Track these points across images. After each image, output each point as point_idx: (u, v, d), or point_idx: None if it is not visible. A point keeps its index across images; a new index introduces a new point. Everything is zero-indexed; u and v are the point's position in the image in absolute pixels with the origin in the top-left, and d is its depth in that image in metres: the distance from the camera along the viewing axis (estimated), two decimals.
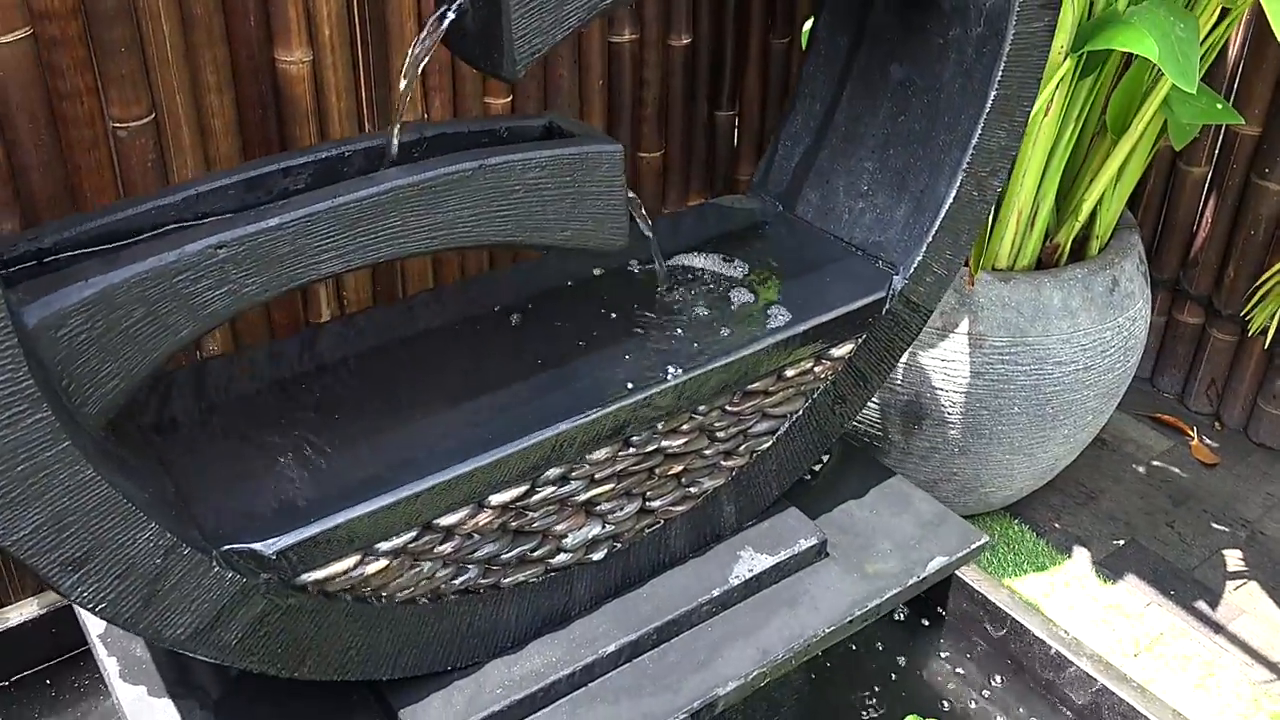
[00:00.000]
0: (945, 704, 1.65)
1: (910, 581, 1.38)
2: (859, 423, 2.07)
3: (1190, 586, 2.09)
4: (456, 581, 1.14)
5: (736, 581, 1.33)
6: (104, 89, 1.35)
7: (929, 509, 1.48)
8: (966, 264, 1.90)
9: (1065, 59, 1.67)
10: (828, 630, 1.31)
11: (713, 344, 1.24)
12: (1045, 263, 1.97)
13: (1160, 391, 2.59)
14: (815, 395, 1.37)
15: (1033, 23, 1.27)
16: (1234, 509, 2.28)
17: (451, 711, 1.16)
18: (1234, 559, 2.17)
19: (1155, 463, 2.40)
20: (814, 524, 1.42)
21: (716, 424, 1.27)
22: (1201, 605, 2.05)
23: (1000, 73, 1.28)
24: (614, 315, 1.29)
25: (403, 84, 1.05)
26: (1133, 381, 2.59)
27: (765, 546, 1.37)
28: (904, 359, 1.93)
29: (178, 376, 1.18)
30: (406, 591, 1.10)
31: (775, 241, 1.44)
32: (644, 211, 1.23)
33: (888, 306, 1.36)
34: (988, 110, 1.30)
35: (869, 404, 2.01)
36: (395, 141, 1.06)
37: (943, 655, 1.73)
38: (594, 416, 1.13)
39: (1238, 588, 2.10)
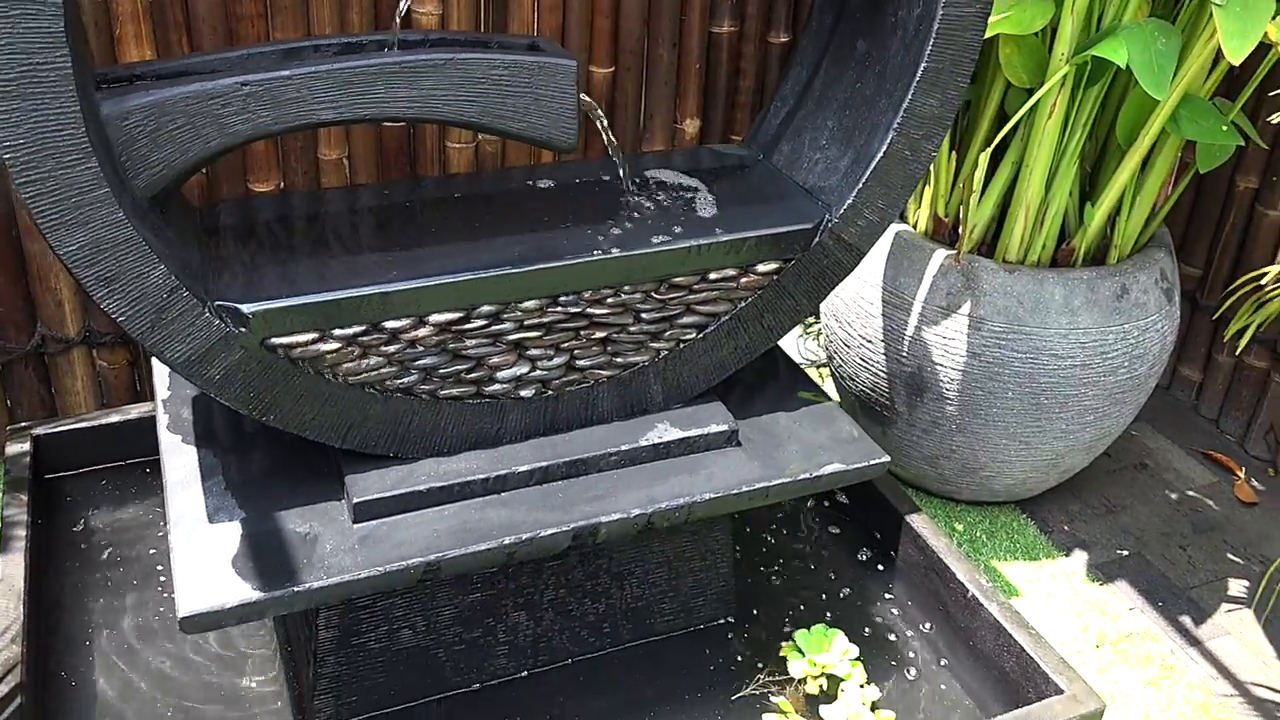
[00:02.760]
0: (868, 630, 1.92)
1: (801, 476, 1.67)
2: (867, 391, 2.34)
3: (1181, 602, 2.23)
4: (399, 381, 1.53)
5: (646, 444, 1.67)
6: None
7: (848, 430, 1.77)
8: (957, 246, 2.15)
9: (1065, 65, 1.92)
10: (711, 497, 1.62)
11: (640, 238, 1.59)
12: (1060, 263, 2.19)
13: (1223, 433, 2.70)
14: (741, 304, 1.69)
15: (964, 7, 1.56)
16: (1257, 546, 2.38)
17: (385, 483, 1.55)
18: (1238, 587, 2.28)
19: (1191, 492, 2.52)
20: (732, 417, 1.73)
21: (640, 305, 1.61)
22: (1185, 619, 2.19)
23: (931, 47, 1.57)
24: (584, 204, 1.66)
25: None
26: (1195, 419, 2.72)
27: (681, 423, 1.70)
28: (908, 332, 2.19)
29: (227, 204, 1.64)
30: (357, 377, 1.51)
31: (741, 178, 1.77)
32: (607, 124, 1.59)
33: (817, 239, 1.67)
34: (918, 79, 1.59)
35: (878, 373, 2.28)
36: (397, 36, 1.48)
37: (887, 595, 1.99)
38: (517, 271, 1.50)
39: (1230, 612, 2.21)
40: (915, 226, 2.30)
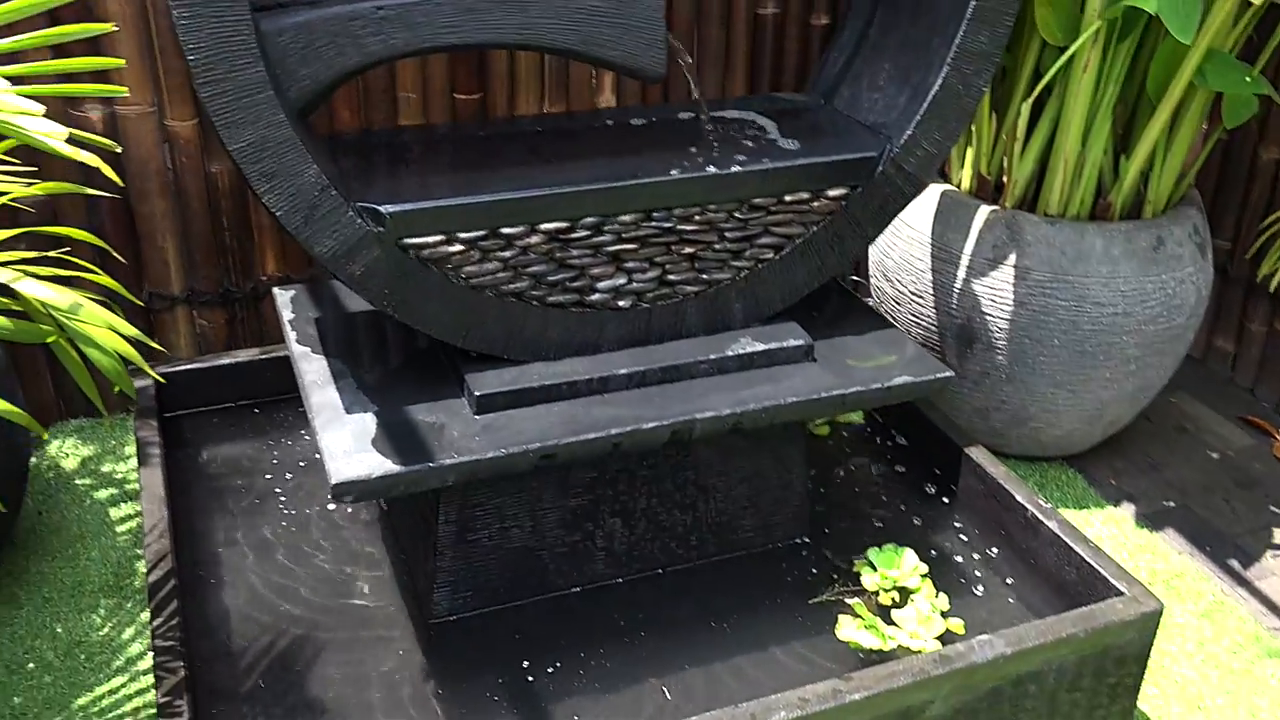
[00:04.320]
0: (934, 553, 2.06)
1: (874, 385, 1.83)
2: (921, 344, 2.50)
3: (1227, 546, 2.35)
4: (513, 286, 1.72)
5: (731, 354, 1.84)
6: None
7: (913, 350, 1.93)
8: (1001, 199, 2.31)
9: (1098, 19, 2.11)
10: (794, 400, 1.79)
11: (726, 162, 1.78)
12: (1099, 217, 2.36)
13: (1259, 400, 2.84)
14: (814, 228, 1.87)
15: None
16: None
17: (500, 381, 1.73)
18: None
19: (1231, 453, 2.66)
20: (807, 335, 1.90)
21: (723, 224, 1.80)
22: (1233, 562, 2.31)
23: None
24: (672, 136, 1.85)
25: None
26: (1231, 388, 2.86)
27: (762, 338, 1.87)
28: (956, 285, 2.36)
29: (349, 135, 1.84)
30: (477, 279, 1.69)
31: (807, 118, 1.97)
32: (687, 56, 1.79)
33: (881, 168, 1.86)
34: (968, 18, 1.79)
35: (929, 326, 2.45)
36: None
37: (955, 524, 2.14)
38: (619, 185, 1.69)
39: (1276, 557, 2.33)
40: (959, 185, 2.48)
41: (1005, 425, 2.47)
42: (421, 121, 2.48)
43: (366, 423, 1.67)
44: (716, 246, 1.82)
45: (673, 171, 1.73)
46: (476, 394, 1.70)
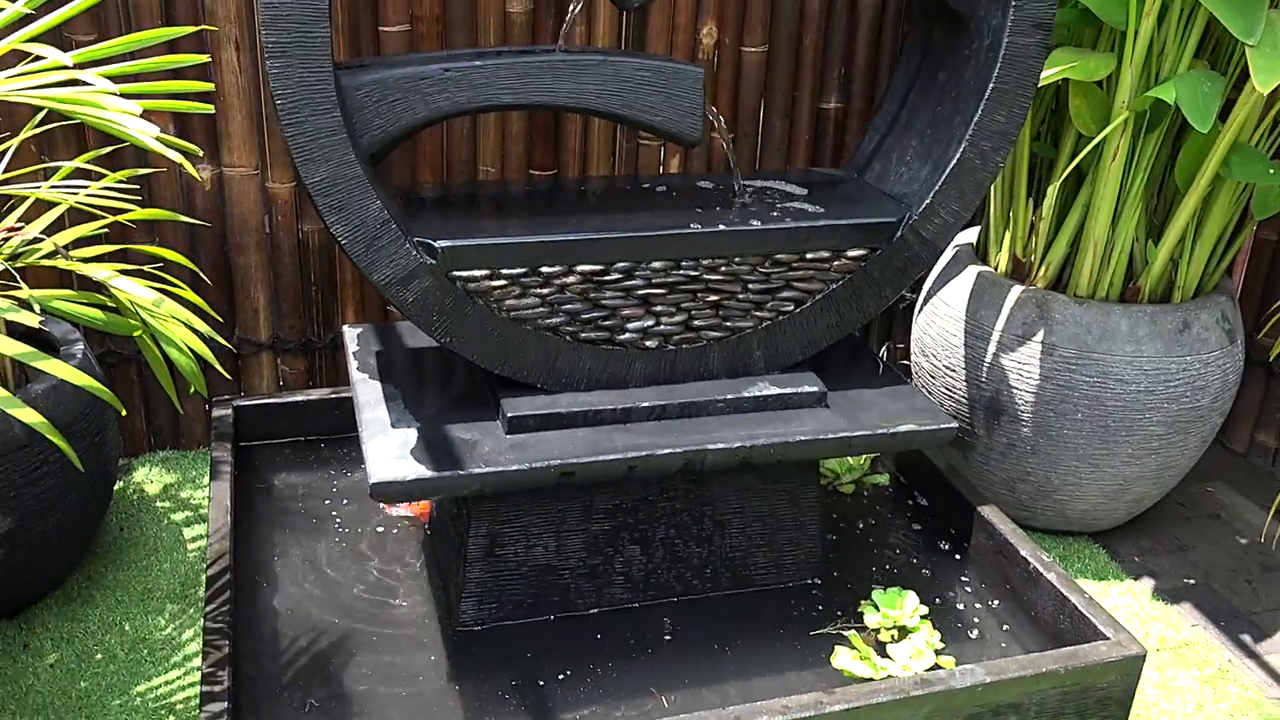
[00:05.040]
0: (939, 600, 2.17)
1: (880, 431, 1.97)
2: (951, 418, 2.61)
3: (1242, 622, 2.40)
4: (549, 321, 1.90)
5: (748, 395, 1.99)
6: None
7: (922, 402, 2.06)
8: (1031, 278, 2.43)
9: (1125, 110, 2.26)
10: (802, 439, 1.93)
11: (749, 220, 1.96)
12: (1128, 300, 2.47)
13: None
14: (834, 285, 2.03)
15: (1025, 38, 1.94)
16: None
17: (532, 406, 1.91)
18: None
19: (1261, 540, 2.70)
20: (822, 383, 2.05)
21: (747, 276, 1.97)
22: (1245, 636, 2.36)
23: (998, 70, 1.94)
24: (706, 198, 2.04)
25: (573, 6, 1.90)
26: (1272, 482, 2.90)
27: (778, 383, 2.03)
28: (987, 360, 2.49)
29: (419, 185, 2.06)
30: (517, 313, 1.88)
31: (838, 189, 2.14)
32: (724, 126, 1.99)
33: (900, 233, 2.02)
34: (986, 98, 1.96)
35: (961, 399, 2.57)
36: (562, 45, 1.90)
37: (963, 578, 2.25)
38: (649, 234, 1.88)
39: None
40: (996, 268, 2.61)
41: (1031, 498, 2.56)
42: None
43: (409, 436, 1.85)
44: (740, 296, 1.98)
45: (700, 225, 1.91)
46: (509, 415, 1.88)
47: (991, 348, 2.49)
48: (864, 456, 2.61)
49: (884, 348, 3.21)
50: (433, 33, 2.51)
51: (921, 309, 2.71)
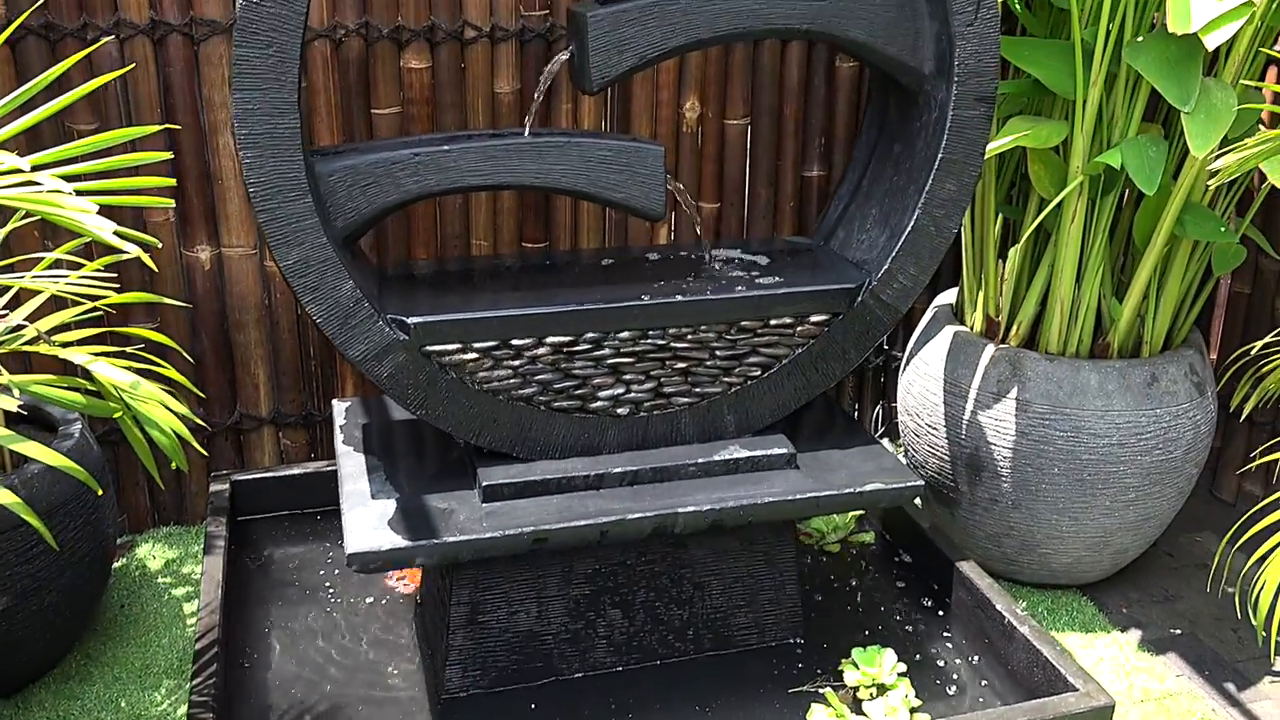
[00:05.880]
0: (919, 657, 2.20)
1: (847, 490, 2.01)
2: (935, 475, 2.65)
3: (1226, 671, 2.41)
4: (522, 391, 1.97)
5: (719, 459, 2.04)
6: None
7: (891, 461, 2.11)
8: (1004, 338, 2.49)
9: (1080, 175, 2.32)
10: (770, 501, 1.98)
11: (715, 289, 2.02)
12: (1097, 356, 2.51)
13: None
14: (799, 350, 2.09)
15: (969, 111, 2.01)
16: None
17: (507, 474, 1.97)
18: None
19: (1248, 589, 2.71)
20: (791, 445, 2.10)
21: (714, 344, 2.03)
22: (1229, 685, 2.37)
23: (945, 141, 2.01)
24: (670, 269, 2.11)
25: (537, 95, 1.98)
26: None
27: (749, 446, 2.08)
28: (965, 417, 2.53)
29: (395, 264, 2.14)
30: (489, 384, 1.95)
31: (803, 256, 2.21)
32: (690, 198, 2.06)
33: (860, 298, 2.07)
34: (936, 168, 2.03)
35: (943, 457, 2.60)
36: (529, 128, 1.99)
37: (944, 634, 2.27)
38: (616, 305, 1.95)
39: (1274, 683, 2.38)
40: (971, 327, 2.66)
41: (1016, 552, 2.59)
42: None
43: (387, 507, 1.91)
44: (708, 363, 2.04)
45: (670, 297, 1.98)
46: (484, 484, 1.94)
47: (969, 405, 2.53)
48: (849, 515, 2.64)
49: (878, 407, 3.25)
50: (423, 114, 2.61)
51: (904, 369, 2.76)
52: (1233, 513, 3.02)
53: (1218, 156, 2.07)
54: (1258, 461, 2.51)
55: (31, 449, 1.52)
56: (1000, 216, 2.57)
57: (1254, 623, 1.99)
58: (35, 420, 2.23)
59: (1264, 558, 1.89)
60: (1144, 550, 2.68)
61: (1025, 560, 2.61)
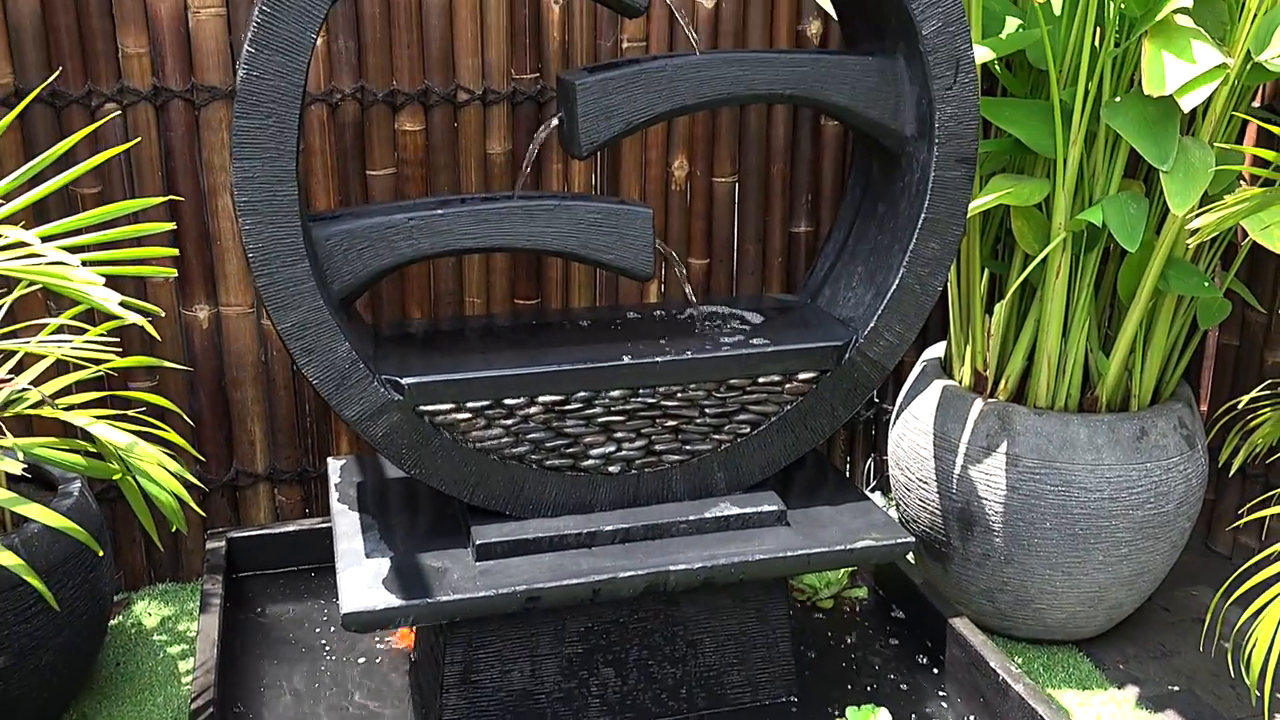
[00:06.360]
0: (914, 715, 2.23)
1: (838, 548, 2.05)
2: (927, 530, 2.69)
3: None
4: (515, 450, 2.01)
5: (710, 516, 2.09)
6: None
7: (881, 517, 2.15)
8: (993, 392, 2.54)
9: (1062, 231, 2.38)
10: (761, 558, 2.02)
11: (704, 347, 2.08)
12: (1087, 409, 2.56)
13: None
14: (788, 407, 2.13)
15: (951, 172, 2.07)
16: None
17: (500, 533, 2.01)
18: None
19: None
20: (782, 501, 2.14)
21: (704, 401, 2.08)
22: None
23: (928, 201, 2.07)
24: (659, 327, 2.17)
25: (526, 163, 2.05)
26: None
27: (740, 503, 2.12)
28: (956, 472, 2.57)
29: (390, 323, 2.19)
30: (482, 443, 1.99)
31: (791, 314, 2.27)
32: (677, 257, 2.12)
33: (847, 355, 2.13)
34: (919, 227, 2.09)
35: (935, 511, 2.64)
36: (519, 191, 2.05)
37: (940, 692, 2.30)
38: (606, 365, 2.00)
39: None
40: (960, 381, 2.71)
41: (1011, 607, 2.61)
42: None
43: (381, 566, 1.95)
44: (698, 421, 2.09)
45: (660, 355, 2.03)
46: (477, 543, 1.98)
47: (959, 460, 2.57)
48: (842, 571, 2.68)
49: (869, 460, 3.29)
50: (417, 175, 2.68)
51: (895, 423, 2.80)
52: (1228, 565, 3.05)
53: (1197, 216, 2.13)
54: (1246, 519, 2.55)
55: (35, 511, 1.57)
56: (986, 271, 2.63)
57: (1247, 681, 2.01)
58: (35, 478, 2.28)
59: (1258, 613, 1.92)
60: (1139, 605, 2.70)
61: (1020, 616, 2.63)
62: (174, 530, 2.11)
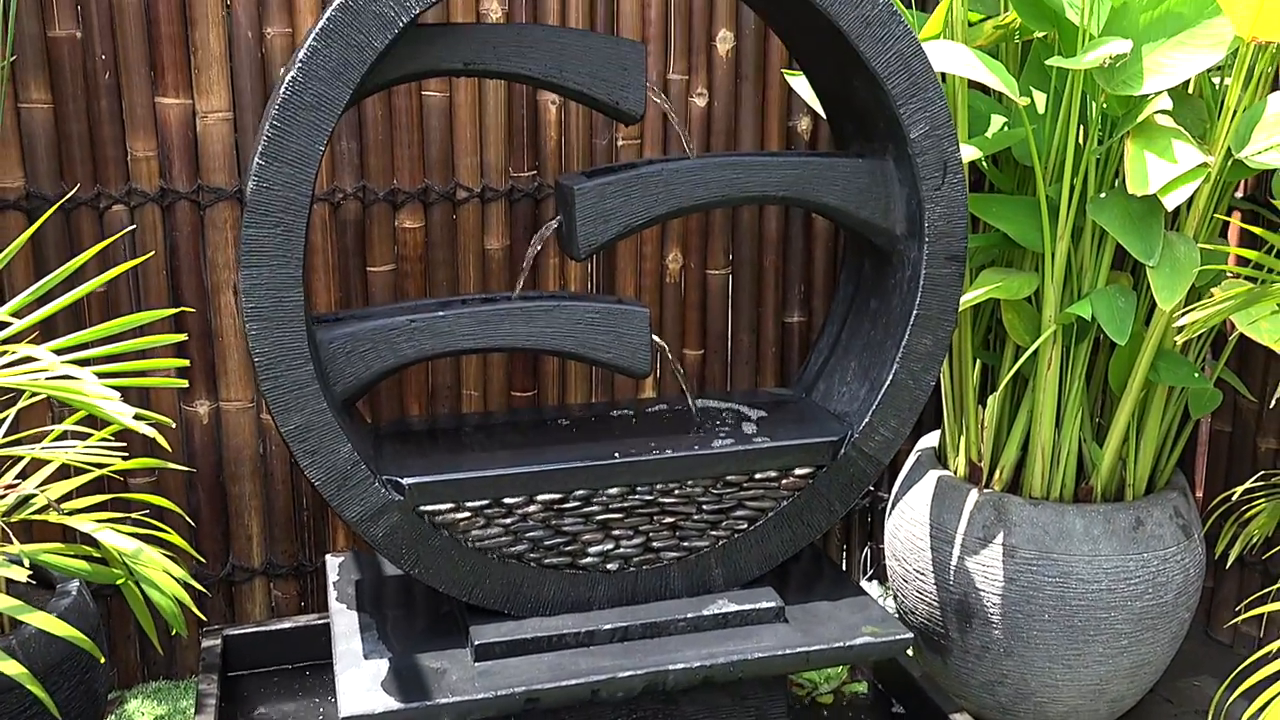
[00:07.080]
0: None
1: (836, 644, 2.08)
2: (925, 622, 2.71)
3: None
4: (513, 549, 2.05)
5: (708, 613, 2.12)
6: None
7: (879, 613, 2.18)
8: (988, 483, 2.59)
9: (1052, 324, 2.44)
10: (760, 656, 2.05)
11: (700, 444, 2.13)
12: (1082, 500, 2.60)
13: None
14: (784, 503, 2.18)
15: (941, 269, 2.14)
16: None
17: (498, 633, 2.04)
18: None
19: None
20: (780, 598, 2.17)
21: (701, 498, 2.13)
22: None
23: (919, 298, 2.14)
24: (655, 424, 2.22)
25: (525, 264, 2.12)
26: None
27: (738, 600, 2.16)
28: (953, 563, 2.61)
29: (390, 422, 2.24)
30: (481, 542, 2.03)
31: (786, 409, 2.32)
32: (673, 357, 2.18)
33: (843, 451, 2.18)
34: (912, 324, 2.15)
35: (932, 603, 2.67)
36: (518, 292, 2.11)
37: None
38: (604, 463, 2.05)
39: None
40: (955, 472, 2.76)
41: (1011, 700, 2.63)
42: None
43: (380, 667, 1.98)
44: (695, 517, 2.13)
45: (657, 453, 2.08)
46: (476, 643, 2.01)
47: (956, 551, 2.61)
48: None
49: (865, 549, 3.32)
50: (417, 270, 2.75)
51: (890, 513, 2.84)
52: (1230, 655, 3.07)
53: (1185, 313, 2.20)
54: (1245, 615, 2.57)
55: (39, 619, 1.60)
56: (978, 362, 2.69)
57: None
58: (33, 576, 2.30)
59: (1263, 707, 1.95)
60: (1141, 697, 2.72)
61: (1021, 709, 2.65)
62: (174, 634, 2.14)
